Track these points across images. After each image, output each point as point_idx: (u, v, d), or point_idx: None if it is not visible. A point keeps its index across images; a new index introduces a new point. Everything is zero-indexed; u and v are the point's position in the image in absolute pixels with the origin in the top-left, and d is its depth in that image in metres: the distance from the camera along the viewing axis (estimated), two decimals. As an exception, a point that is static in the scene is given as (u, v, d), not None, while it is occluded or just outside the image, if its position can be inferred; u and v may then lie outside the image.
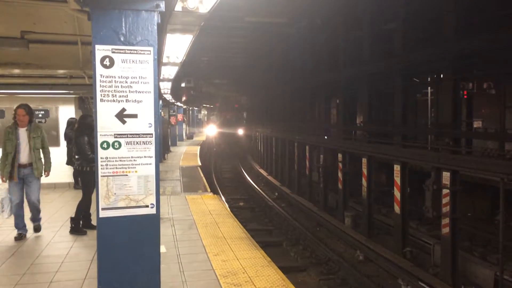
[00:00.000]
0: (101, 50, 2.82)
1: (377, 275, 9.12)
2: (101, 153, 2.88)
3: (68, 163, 10.34)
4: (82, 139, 7.11)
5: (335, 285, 8.73)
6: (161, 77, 8.97)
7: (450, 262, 8.13)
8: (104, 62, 2.83)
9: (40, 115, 11.20)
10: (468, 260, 8.64)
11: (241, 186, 20.00)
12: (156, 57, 2.90)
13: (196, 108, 46.31)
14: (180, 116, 32.91)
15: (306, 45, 16.12)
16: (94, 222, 7.47)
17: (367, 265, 9.74)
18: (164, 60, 6.10)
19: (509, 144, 8.86)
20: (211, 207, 9.36)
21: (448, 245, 8.22)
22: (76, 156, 7.29)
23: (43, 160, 6.94)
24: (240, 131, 31.08)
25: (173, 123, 28.67)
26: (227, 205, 9.75)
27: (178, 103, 29.75)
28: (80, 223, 7.26)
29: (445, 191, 8.28)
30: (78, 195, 9.88)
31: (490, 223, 10.44)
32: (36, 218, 7.11)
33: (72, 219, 7.23)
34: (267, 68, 22.83)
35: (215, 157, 27.96)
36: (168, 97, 19.16)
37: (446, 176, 8.24)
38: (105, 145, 2.88)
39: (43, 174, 6.92)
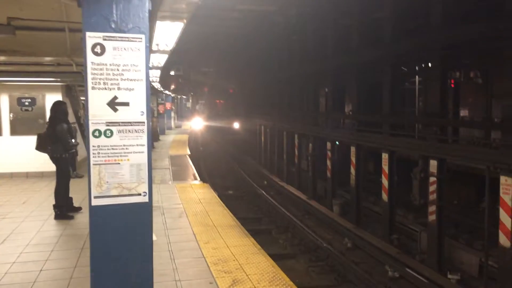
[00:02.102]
0: (92, 37, 2.79)
1: (364, 262, 9.26)
2: (93, 141, 2.87)
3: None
4: (61, 127, 7.11)
5: (324, 272, 8.85)
6: (150, 65, 8.89)
7: (436, 248, 8.29)
8: (95, 50, 2.80)
9: (26, 103, 11.06)
10: (454, 246, 8.81)
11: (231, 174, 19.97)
12: (148, 44, 2.88)
13: (184, 97, 46.04)
14: (168, 105, 32.69)
15: (294, 34, 16.08)
16: (75, 205, 7.68)
17: (355, 252, 9.88)
18: (154, 47, 6.05)
19: (495, 133, 9.00)
20: (200, 196, 9.38)
21: (434, 232, 8.36)
22: (52, 144, 7.23)
23: None
24: (237, 125, 25.19)
25: (161, 111, 28.47)
26: (216, 194, 9.78)
27: (167, 92, 29.55)
28: (64, 209, 7.31)
29: (432, 179, 8.41)
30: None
31: (475, 210, 10.65)
32: None
33: (54, 206, 7.30)
34: (255, 58, 22.71)
35: (203, 159, 21.66)
36: (157, 85, 19.03)
37: (433, 164, 8.35)
38: (96, 133, 2.86)
39: None
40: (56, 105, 7.54)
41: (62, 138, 7.12)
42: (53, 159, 7.42)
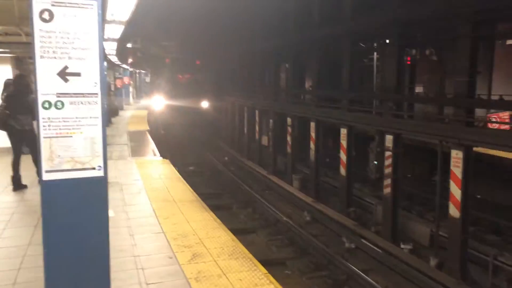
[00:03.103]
0: (39, 3, 2.63)
1: (323, 234, 9.52)
2: (42, 113, 2.74)
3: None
4: (33, 98, 6.89)
5: (283, 245, 9.03)
6: (105, 37, 8.57)
7: (391, 220, 8.60)
8: (43, 16, 2.65)
9: (-28, 76, 10.44)
10: (407, 218, 9.18)
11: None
12: (100, 12, 2.75)
13: (144, 71, 44.90)
14: (126, 79, 31.82)
15: (256, 8, 15.86)
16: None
17: (314, 225, 10.13)
18: (109, 17, 5.82)
19: (447, 108, 9.32)
20: (160, 171, 9.27)
21: (389, 204, 8.66)
22: (19, 116, 7.13)
23: None
24: (205, 104, 21.28)
25: (119, 86, 27.67)
26: (176, 169, 9.68)
27: (124, 66, 28.70)
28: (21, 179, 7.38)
29: (387, 153, 8.66)
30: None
31: (428, 183, 11.10)
32: None
33: (14, 177, 7.34)
34: (219, 33, 22.21)
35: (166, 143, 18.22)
36: (114, 58, 18.43)
37: (389, 139, 8.59)
38: (46, 105, 2.74)
39: None
40: (20, 78, 7.47)
41: (34, 109, 6.95)
42: (23, 131, 7.29)
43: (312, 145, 11.68)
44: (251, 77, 17.27)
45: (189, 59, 22.52)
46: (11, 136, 7.50)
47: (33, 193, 7.17)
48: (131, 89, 35.20)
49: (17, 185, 7.41)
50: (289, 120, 13.14)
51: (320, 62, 11.85)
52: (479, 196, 9.96)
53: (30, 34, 2.70)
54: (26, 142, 7.55)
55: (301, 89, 13.23)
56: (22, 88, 7.22)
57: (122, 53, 21.23)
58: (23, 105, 7.11)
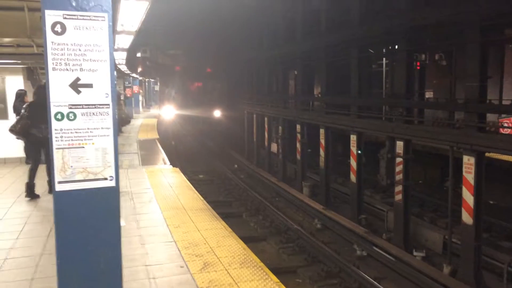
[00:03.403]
0: (51, 16, 2.66)
1: (334, 242, 9.45)
2: (55, 124, 2.76)
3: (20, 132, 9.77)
4: None
5: (294, 253, 8.98)
6: (115, 47, 8.65)
7: (402, 227, 8.52)
8: (55, 29, 2.67)
9: (-15, 87, 10.59)
10: (419, 225, 9.09)
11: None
12: (111, 23, 2.77)
13: (153, 80, 45.21)
14: (136, 88, 32.06)
15: (263, 17, 15.94)
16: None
17: (325, 232, 10.07)
18: (119, 28, 5.87)
19: (458, 114, 9.25)
20: (170, 180, 9.29)
21: (400, 211, 8.59)
22: (40, 125, 7.26)
23: None
24: (217, 113, 19.89)
25: (128, 95, 27.88)
26: (186, 178, 9.69)
27: (134, 75, 28.93)
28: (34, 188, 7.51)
29: (398, 159, 8.60)
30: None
31: (439, 189, 11.00)
32: None
33: (29, 185, 7.47)
34: (226, 40, 22.29)
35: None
36: (123, 67, 18.59)
37: (399, 145, 8.54)
38: (59, 116, 2.76)
39: None
40: (41, 88, 7.57)
41: None
42: (44, 140, 7.47)
43: (321, 152, 11.65)
44: (260, 84, 17.28)
45: (200, 66, 21.22)
46: (32, 144, 7.74)
47: (45, 203, 7.22)
48: (140, 97, 35.44)
49: (31, 192, 7.51)
50: (298, 127, 13.13)
51: (328, 68, 11.84)
52: (492, 202, 9.84)
53: (42, 46, 2.73)
54: (45, 150, 7.73)
55: (310, 96, 13.21)
56: (43, 97, 7.31)
57: (132, 62, 21.37)
58: (44, 114, 7.19)
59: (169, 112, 20.17)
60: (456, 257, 7.42)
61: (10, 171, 9.76)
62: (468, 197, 6.93)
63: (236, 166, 17.79)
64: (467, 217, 6.96)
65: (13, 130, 7.48)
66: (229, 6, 15.52)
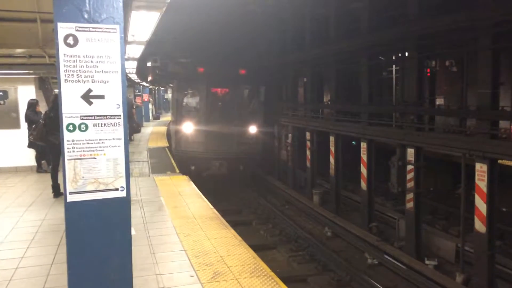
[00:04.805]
0: (64, 28, 2.70)
1: (344, 250, 9.37)
2: (67, 135, 2.78)
3: (30, 146, 9.96)
4: None
5: (305, 261, 8.92)
6: (126, 56, 8.73)
7: (414, 235, 8.43)
8: (68, 41, 2.71)
9: (-2, 97, 10.74)
10: (431, 233, 8.98)
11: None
12: (122, 35, 2.80)
13: (162, 88, 45.48)
14: (146, 96, 32.27)
15: (272, 24, 15.96)
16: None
17: (335, 240, 9.99)
18: (129, 38, 5.92)
19: (470, 120, 9.16)
20: (180, 188, 9.30)
21: (412, 219, 8.50)
22: (57, 133, 7.48)
23: None
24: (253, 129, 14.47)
25: (139, 103, 28.07)
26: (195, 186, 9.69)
27: (144, 83, 29.12)
28: (59, 188, 8.13)
29: (409, 167, 8.52)
30: (41, 179, 9.69)
31: (451, 197, 10.87)
32: None
33: (53, 186, 8.17)
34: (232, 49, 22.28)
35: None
36: (134, 76, 18.72)
37: (410, 152, 8.47)
38: (71, 127, 2.78)
39: None
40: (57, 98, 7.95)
41: None
42: (55, 146, 7.94)
43: (331, 160, 11.59)
44: (270, 92, 17.25)
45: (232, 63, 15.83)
46: (51, 150, 8.29)
47: (56, 212, 7.27)
48: (150, 106, 35.65)
49: (57, 193, 8.16)
50: (308, 134, 13.09)
51: (338, 76, 11.81)
52: (504, 209, 9.71)
53: (54, 56, 2.76)
54: (52, 156, 8.33)
55: (320, 103, 13.17)
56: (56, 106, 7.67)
57: (142, 71, 21.51)
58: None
59: (188, 128, 14.31)
60: (469, 265, 7.31)
61: (22, 180, 9.85)
62: (481, 204, 6.84)
63: (241, 167, 14.04)
64: (480, 225, 6.87)
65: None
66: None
